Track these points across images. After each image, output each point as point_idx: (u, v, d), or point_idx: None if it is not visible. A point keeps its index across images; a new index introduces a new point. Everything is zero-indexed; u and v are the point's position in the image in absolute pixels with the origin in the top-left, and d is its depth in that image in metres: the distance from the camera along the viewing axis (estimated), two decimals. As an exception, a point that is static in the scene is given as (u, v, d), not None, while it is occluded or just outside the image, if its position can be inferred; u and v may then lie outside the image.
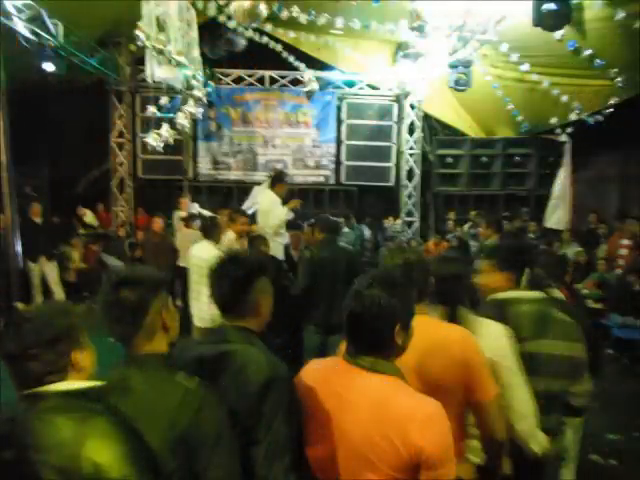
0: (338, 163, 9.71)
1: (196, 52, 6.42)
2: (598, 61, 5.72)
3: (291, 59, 8.37)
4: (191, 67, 6.39)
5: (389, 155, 9.69)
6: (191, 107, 7.10)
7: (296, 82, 9.43)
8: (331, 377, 1.40)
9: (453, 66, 6.89)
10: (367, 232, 9.26)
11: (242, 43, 8.02)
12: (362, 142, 9.59)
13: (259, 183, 6.51)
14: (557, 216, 7.87)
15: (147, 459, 1.11)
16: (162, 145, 6.52)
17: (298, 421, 1.39)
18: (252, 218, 5.07)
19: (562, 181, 7.94)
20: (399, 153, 9.73)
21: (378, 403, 1.27)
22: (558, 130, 8.07)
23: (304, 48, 8.51)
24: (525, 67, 6.76)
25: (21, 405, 1.14)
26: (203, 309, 3.79)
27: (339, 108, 9.60)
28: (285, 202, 4.91)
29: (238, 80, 9.51)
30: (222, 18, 6.60)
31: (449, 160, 9.79)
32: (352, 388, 1.32)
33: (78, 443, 1.05)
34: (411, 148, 9.67)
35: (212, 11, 6.41)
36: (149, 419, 1.16)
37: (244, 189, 8.16)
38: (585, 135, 7.51)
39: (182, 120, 6.83)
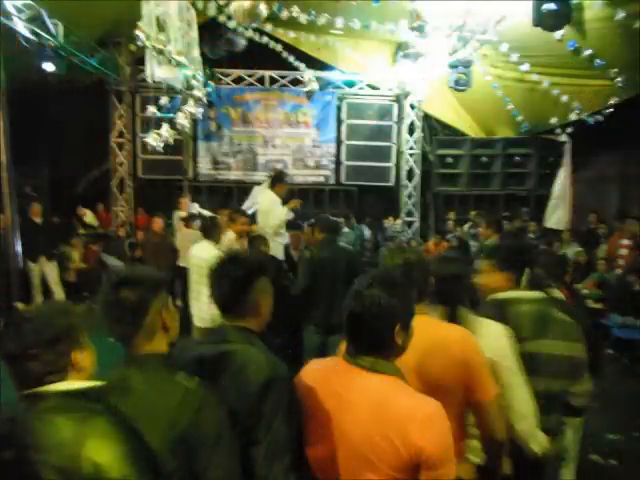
0: (338, 163, 9.71)
1: (196, 52, 6.42)
2: (598, 61, 5.71)
3: (291, 59, 8.37)
4: (191, 67, 6.39)
5: (389, 155, 9.68)
6: (191, 107, 7.09)
7: (296, 82, 9.43)
8: (331, 377, 1.40)
9: (453, 66, 6.89)
10: (367, 232, 9.26)
11: (242, 43, 8.02)
12: (362, 142, 9.59)
13: (259, 183, 6.51)
14: (557, 216, 7.87)
15: (147, 459, 1.11)
16: (162, 145, 6.52)
17: (298, 421, 1.39)
18: (252, 218, 5.07)
19: (562, 181, 7.94)
20: (399, 153, 9.73)
21: (378, 403, 1.27)
22: (558, 130, 8.07)
23: (304, 48, 8.51)
24: (525, 67, 6.76)
25: (21, 405, 1.14)
26: (203, 309, 3.79)
27: (339, 108, 9.60)
28: (285, 202, 4.91)
29: (238, 80, 9.51)
30: (222, 18, 6.60)
31: (449, 160, 9.78)
32: (352, 388, 1.32)
33: (78, 443, 1.05)
34: (411, 148, 9.66)
35: (212, 11, 6.41)
36: (149, 419, 1.16)
37: (244, 189, 8.17)
38: (585, 135, 7.51)
39: (182, 120, 6.83)
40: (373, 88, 9.63)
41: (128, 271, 1.36)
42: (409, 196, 9.78)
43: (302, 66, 8.64)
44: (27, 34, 5.74)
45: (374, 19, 6.50)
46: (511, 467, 1.80)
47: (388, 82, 9.40)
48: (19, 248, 5.32)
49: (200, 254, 3.89)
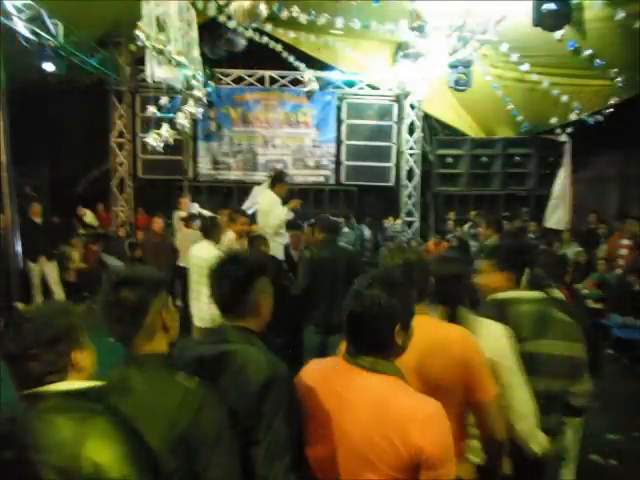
0: (338, 163, 9.71)
1: (196, 52, 6.42)
2: (598, 61, 5.72)
3: (291, 59, 8.37)
4: (191, 67, 6.39)
5: (389, 155, 9.68)
6: (191, 107, 7.09)
7: (296, 82, 9.43)
8: (331, 377, 1.40)
9: (453, 66, 6.89)
10: (367, 232, 9.25)
11: (242, 43, 8.02)
12: (362, 142, 9.59)
13: (259, 183, 6.51)
14: (557, 216, 7.86)
15: (147, 459, 1.11)
16: (162, 145, 6.52)
17: (298, 421, 1.39)
18: (252, 218, 5.07)
19: (562, 181, 7.93)
20: (399, 153, 9.72)
21: (378, 403, 1.27)
22: (558, 130, 8.07)
23: (304, 48, 8.51)
24: (525, 67, 6.76)
25: (21, 405, 1.14)
26: (203, 309, 3.79)
27: (339, 108, 9.60)
28: (285, 202, 4.91)
29: (238, 80, 9.51)
30: (222, 18, 6.60)
31: (449, 160, 9.78)
32: (352, 388, 1.32)
33: (78, 443, 1.05)
34: (411, 148, 9.67)
35: (212, 11, 6.41)
36: (149, 419, 1.16)
37: (244, 189, 8.17)
38: (585, 135, 7.51)
39: (182, 120, 6.83)
40: (373, 88, 9.63)
41: (128, 271, 1.36)
42: (409, 196, 9.78)
43: (302, 66, 8.64)
44: (27, 34, 5.74)
45: (374, 19, 6.50)
46: (511, 467, 1.80)
47: (388, 82, 9.39)
48: (19, 248, 5.32)
49: (200, 254, 3.89)
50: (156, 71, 5.68)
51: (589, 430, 2.97)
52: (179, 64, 5.64)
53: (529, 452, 1.79)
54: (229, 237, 4.53)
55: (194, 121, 8.35)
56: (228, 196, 9.38)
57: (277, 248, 4.70)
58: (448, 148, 9.81)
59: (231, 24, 6.70)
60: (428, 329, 1.60)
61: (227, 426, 1.24)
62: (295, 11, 6.21)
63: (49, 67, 6.32)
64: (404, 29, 6.01)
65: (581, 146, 7.89)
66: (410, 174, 9.73)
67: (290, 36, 7.71)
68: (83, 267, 7.56)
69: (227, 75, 9.42)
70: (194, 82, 7.10)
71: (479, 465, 1.74)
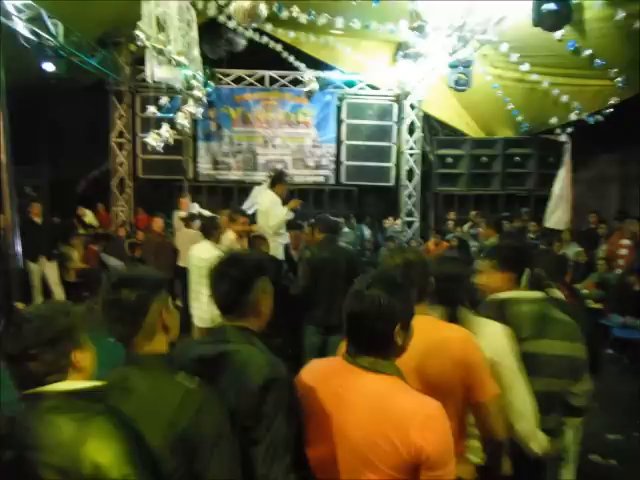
0: (338, 163, 9.70)
1: (196, 52, 6.42)
2: (598, 61, 5.72)
3: (291, 59, 8.38)
4: (191, 67, 6.39)
5: (389, 155, 9.68)
6: (191, 107, 7.10)
7: (296, 82, 9.43)
8: (331, 377, 1.40)
9: (453, 66, 6.87)
10: (367, 232, 9.25)
11: (242, 43, 8.03)
12: (362, 142, 9.59)
13: (259, 183, 6.54)
14: (557, 216, 7.85)
15: (147, 459, 1.11)
16: (162, 145, 6.53)
17: (298, 421, 1.39)
18: (252, 218, 5.07)
19: (562, 181, 7.92)
20: (399, 153, 9.72)
21: (378, 403, 1.27)
22: (558, 130, 8.07)
23: (304, 48, 8.51)
24: (525, 67, 6.76)
25: (21, 405, 1.14)
26: (203, 309, 3.79)
27: (339, 108, 9.60)
28: (285, 202, 4.90)
29: (238, 80, 9.51)
30: (222, 18, 6.61)
31: (449, 160, 9.78)
32: (352, 388, 1.32)
33: (78, 443, 1.05)
34: (411, 148, 9.67)
35: (212, 11, 6.41)
36: (149, 419, 1.16)
37: (244, 189, 8.18)
38: (585, 135, 7.50)
39: (182, 120, 6.84)
40: (373, 88, 9.63)
41: (128, 271, 1.37)
42: (409, 196, 9.78)
43: (302, 66, 8.65)
44: (27, 34, 5.74)
45: (374, 19, 6.50)
46: (511, 467, 1.80)
47: (388, 82, 9.40)
48: (19, 248, 5.32)
49: (200, 254, 3.89)
50: (156, 71, 5.68)
51: (589, 430, 2.96)
52: (179, 64, 5.64)
53: (529, 452, 1.79)
54: (229, 237, 4.53)
55: (194, 121, 8.35)
56: (228, 196, 9.37)
57: (277, 248, 4.70)
58: (448, 148, 9.80)
59: (231, 24, 6.70)
60: (428, 329, 1.61)
61: (227, 426, 1.24)
62: (295, 11, 6.20)
63: (49, 67, 6.34)
64: (404, 29, 6.00)
65: (581, 146, 7.88)
66: (410, 174, 9.73)
67: (290, 36, 7.70)
68: (83, 267, 7.56)
69: (227, 75, 9.41)
70: (194, 82, 7.10)
71: (479, 465, 1.74)
